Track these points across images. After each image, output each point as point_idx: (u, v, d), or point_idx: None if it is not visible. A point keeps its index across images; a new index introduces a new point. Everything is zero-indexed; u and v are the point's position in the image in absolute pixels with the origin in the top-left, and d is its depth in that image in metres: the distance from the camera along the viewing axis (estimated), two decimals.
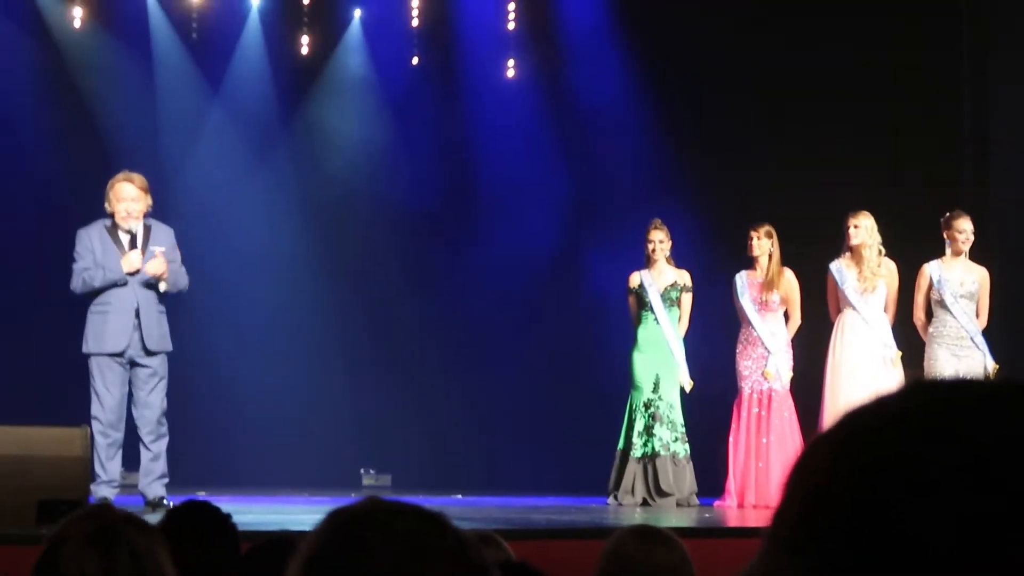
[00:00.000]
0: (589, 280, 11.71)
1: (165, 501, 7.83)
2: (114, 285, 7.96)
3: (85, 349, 8.03)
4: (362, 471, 11.99)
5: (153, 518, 6.71)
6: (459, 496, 10.43)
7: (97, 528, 2.35)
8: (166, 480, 8.12)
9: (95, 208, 9.40)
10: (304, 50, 12.39)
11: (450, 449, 11.86)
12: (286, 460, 11.50)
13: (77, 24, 11.58)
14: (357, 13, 12.63)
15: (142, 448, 8.05)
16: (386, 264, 12.34)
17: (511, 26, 12.54)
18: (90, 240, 8.03)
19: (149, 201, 8.11)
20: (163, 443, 8.09)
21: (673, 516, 8.64)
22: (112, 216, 8.07)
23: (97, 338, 7.97)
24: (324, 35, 12.52)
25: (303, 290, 12.13)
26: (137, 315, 7.96)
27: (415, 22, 12.48)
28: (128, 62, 11.88)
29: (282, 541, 3.73)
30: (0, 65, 11.24)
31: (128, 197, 7.99)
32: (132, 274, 7.98)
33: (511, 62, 12.62)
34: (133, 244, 8.05)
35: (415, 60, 12.57)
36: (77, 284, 8.03)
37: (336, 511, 1.64)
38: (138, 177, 8.05)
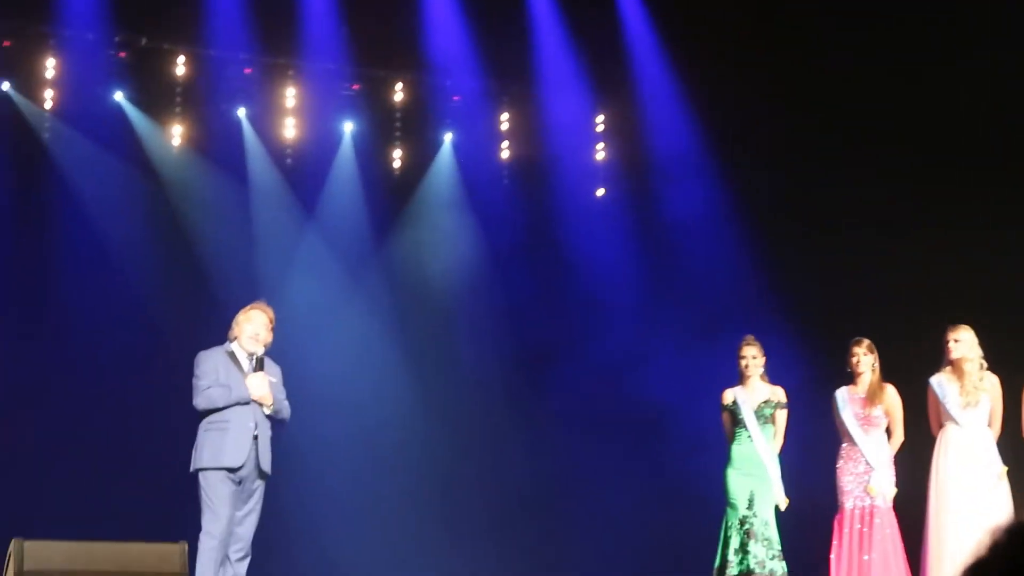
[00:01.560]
0: (682, 397, 11.64)
1: None
2: (236, 404, 8.24)
3: (198, 465, 8.22)
4: None
5: None
6: None
7: None
8: None
9: (197, 330, 9.62)
10: (396, 172, 12.59)
11: (537, 561, 11.80)
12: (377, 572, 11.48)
13: (175, 148, 11.86)
14: (448, 137, 12.83)
15: (227, 564, 8.19)
16: (482, 383, 12.38)
17: (600, 156, 12.69)
18: (214, 361, 8.38)
19: (271, 336, 8.48)
20: (247, 563, 8.34)
21: None
22: (234, 340, 8.41)
23: (214, 454, 8.19)
24: (416, 157, 12.71)
25: (400, 407, 12.18)
26: (255, 436, 8.23)
27: (505, 146, 12.67)
28: (224, 187, 12.11)
29: None
30: (102, 193, 11.50)
31: (260, 323, 8.45)
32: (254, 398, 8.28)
33: (601, 191, 12.75)
34: (253, 369, 8.34)
35: (505, 170, 12.73)
36: (201, 401, 8.31)
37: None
38: (270, 311, 8.58)
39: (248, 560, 8.36)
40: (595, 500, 12.08)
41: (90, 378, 11.24)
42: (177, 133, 11.90)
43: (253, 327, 8.47)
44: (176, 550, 6.62)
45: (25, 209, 11.39)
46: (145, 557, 6.48)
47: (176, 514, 8.91)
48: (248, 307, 8.62)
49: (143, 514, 10.20)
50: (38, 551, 6.28)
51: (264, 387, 8.38)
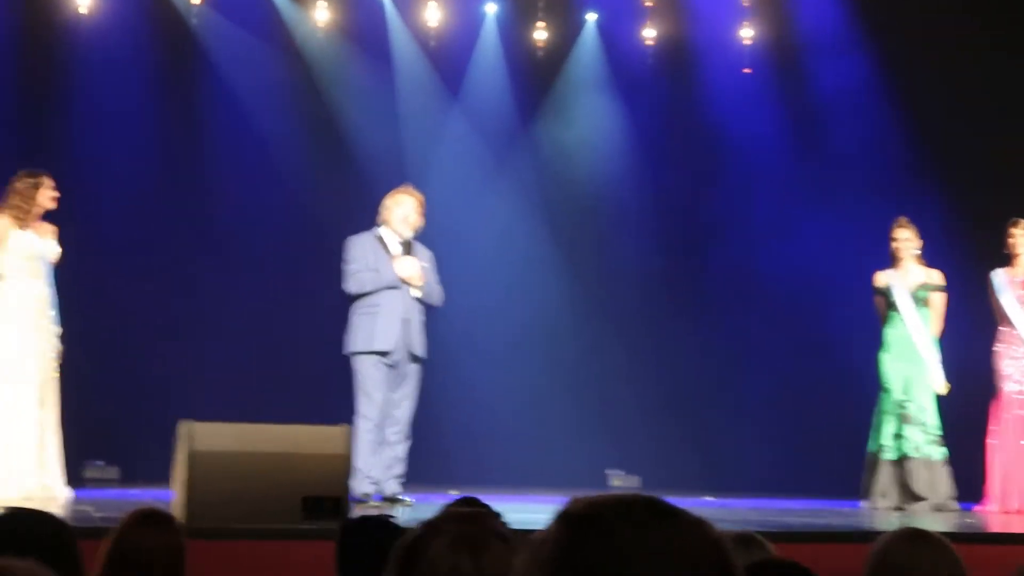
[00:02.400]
0: (835, 278, 11.50)
1: (401, 497, 8.30)
2: (385, 288, 8.31)
3: (352, 348, 8.37)
4: (609, 472, 12.01)
5: (390, 511, 6.94)
6: (710, 498, 10.35)
7: (472, 532, 2.39)
8: (403, 479, 8.48)
9: (345, 214, 9.72)
10: (540, 53, 12.50)
11: (699, 450, 11.79)
12: (533, 461, 11.58)
13: (320, 32, 11.92)
14: (591, 17, 12.68)
15: (386, 446, 8.35)
16: (631, 264, 12.37)
17: (746, 32, 12.45)
18: (363, 246, 8.44)
19: (422, 220, 8.49)
20: (406, 445, 8.51)
21: (931, 521, 8.40)
22: (382, 224, 8.42)
23: (366, 338, 8.32)
24: (560, 36, 12.60)
25: (546, 292, 12.22)
26: (405, 320, 8.31)
27: (648, 24, 12.47)
28: (369, 70, 12.14)
29: None
30: (249, 78, 11.61)
31: (409, 207, 8.50)
32: (404, 281, 8.33)
33: (747, 68, 12.53)
34: (402, 254, 8.39)
35: (650, 51, 12.56)
36: (352, 285, 8.43)
37: (572, 503, 1.60)
38: (420, 194, 8.60)
39: (408, 443, 8.51)
40: (751, 386, 12.04)
41: (243, 264, 11.45)
42: (322, 17, 11.94)
43: (402, 211, 8.51)
44: (339, 432, 6.73)
45: (175, 96, 11.55)
46: (309, 439, 6.60)
47: (333, 398, 9.11)
48: (396, 191, 8.65)
49: (299, 398, 10.44)
50: (207, 432, 6.43)
51: (413, 269, 8.44)
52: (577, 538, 1.52)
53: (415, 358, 8.48)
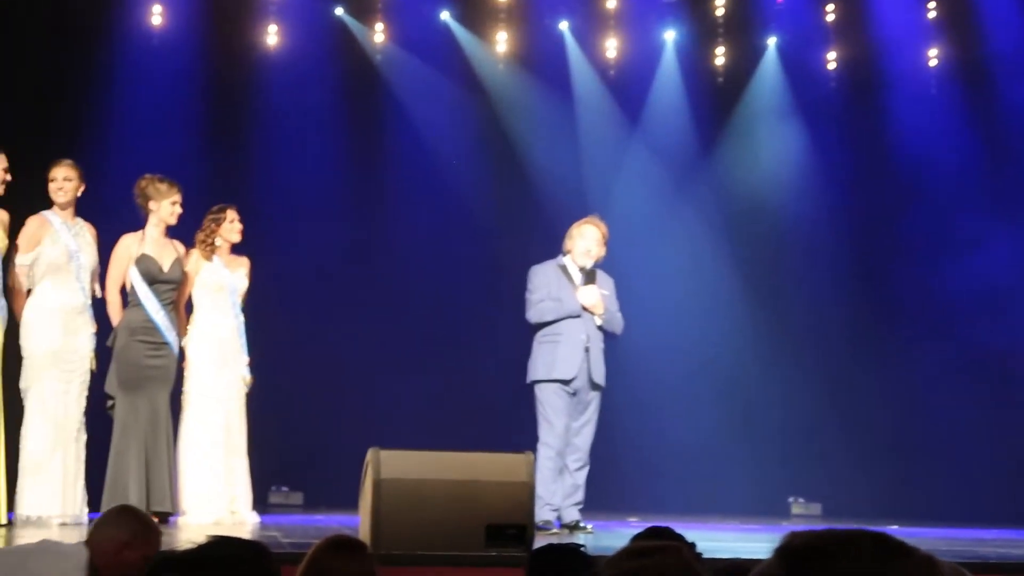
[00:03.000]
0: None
1: (581, 524, 8.34)
2: (567, 317, 8.38)
3: (533, 377, 8.45)
4: (791, 499, 11.85)
5: (570, 538, 6.94)
6: (895, 527, 10.11)
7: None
8: (581, 506, 8.50)
9: (527, 243, 9.79)
10: (720, 78, 12.43)
11: (882, 477, 11.55)
12: (712, 488, 11.48)
13: (500, 64, 12.04)
14: (771, 41, 12.57)
15: (566, 474, 8.39)
16: (812, 289, 12.18)
17: (932, 51, 12.22)
18: (545, 275, 8.54)
19: (604, 251, 8.54)
20: (585, 472, 8.55)
21: None
22: (567, 254, 8.50)
23: (547, 366, 8.39)
24: (740, 61, 12.51)
25: (727, 319, 12.11)
26: (587, 348, 8.36)
27: (830, 47, 12.32)
28: (549, 100, 12.20)
29: (737, 569, 3.74)
30: (432, 111, 11.77)
31: (592, 238, 8.59)
32: (585, 309, 8.39)
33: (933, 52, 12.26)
34: (585, 282, 8.45)
35: (833, 74, 12.40)
36: (533, 315, 8.52)
37: (792, 537, 1.58)
38: (604, 225, 8.69)
39: (586, 469, 8.55)
40: (938, 410, 11.76)
41: (426, 293, 11.59)
42: (502, 49, 12.07)
43: (585, 243, 8.59)
44: (523, 460, 6.76)
45: (360, 128, 11.77)
46: (493, 466, 6.65)
47: (515, 425, 9.16)
48: (581, 221, 8.72)
49: (481, 425, 10.52)
50: (393, 460, 6.53)
51: (594, 297, 8.50)
52: (799, 574, 1.49)
53: (595, 386, 8.52)
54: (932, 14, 12.18)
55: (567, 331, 8.47)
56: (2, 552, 5.14)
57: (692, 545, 3.67)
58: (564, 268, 8.63)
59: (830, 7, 12.37)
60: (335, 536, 3.66)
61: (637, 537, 3.69)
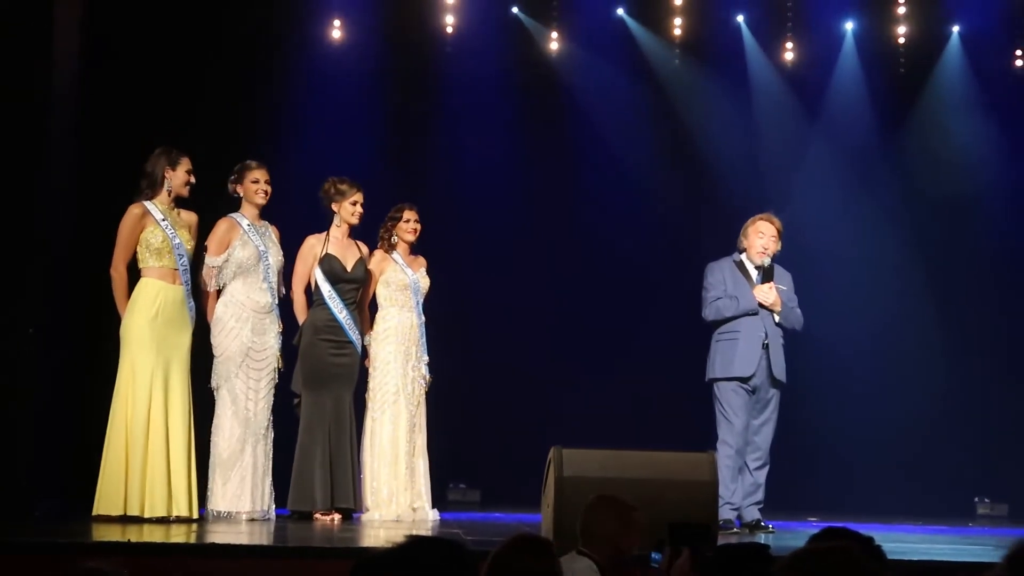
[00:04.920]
0: None
1: (762, 524, 8.32)
2: (744, 315, 8.32)
3: (712, 375, 8.42)
4: (977, 500, 11.57)
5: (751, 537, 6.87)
6: None
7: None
8: (761, 505, 8.47)
9: (705, 239, 9.73)
10: (902, 69, 12.17)
11: None
12: (897, 488, 11.26)
13: (677, 57, 11.97)
14: (955, 29, 12.28)
15: (746, 472, 8.32)
16: (1004, 282, 11.86)
17: None
18: (722, 272, 8.52)
19: (780, 246, 8.51)
20: (765, 471, 8.52)
21: None
22: (743, 251, 8.47)
23: (726, 364, 8.36)
24: (922, 53, 12.22)
25: (911, 316, 11.85)
26: (765, 345, 8.29)
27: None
28: (726, 93, 12.09)
29: (931, 571, 3.67)
30: (609, 106, 11.75)
31: (768, 234, 8.60)
32: (762, 307, 8.33)
33: None
34: (761, 279, 8.40)
35: (1019, 62, 12.03)
36: (710, 312, 8.51)
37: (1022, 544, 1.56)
38: (778, 221, 8.69)
39: (767, 468, 8.48)
40: None
41: (606, 289, 11.57)
42: (677, 43, 11.99)
43: (762, 241, 8.57)
44: (705, 459, 6.75)
45: (537, 126, 11.80)
46: (675, 465, 6.64)
47: (696, 423, 9.11)
48: (755, 218, 8.70)
49: (661, 424, 10.47)
50: (575, 458, 6.57)
51: (772, 295, 8.44)
52: None
53: (776, 382, 8.45)
54: None
55: (745, 328, 8.43)
56: None
57: (870, 542, 3.61)
58: (740, 265, 8.60)
59: None
60: (520, 535, 3.69)
61: (814, 538, 3.65)
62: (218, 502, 8.09)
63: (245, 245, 8.26)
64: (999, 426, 11.55)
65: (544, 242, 11.58)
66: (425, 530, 7.80)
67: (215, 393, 8.22)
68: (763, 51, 12.17)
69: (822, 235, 11.57)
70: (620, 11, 12.00)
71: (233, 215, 8.37)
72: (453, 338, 9.86)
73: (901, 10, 12.08)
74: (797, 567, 2.46)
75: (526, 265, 11.42)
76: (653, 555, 4.64)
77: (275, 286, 8.35)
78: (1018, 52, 12.01)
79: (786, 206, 9.92)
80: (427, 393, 8.76)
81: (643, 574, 4.75)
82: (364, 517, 8.40)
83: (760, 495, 8.41)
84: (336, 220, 8.62)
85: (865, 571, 2.44)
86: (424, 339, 8.77)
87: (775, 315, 8.48)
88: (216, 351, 8.22)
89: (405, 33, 11.41)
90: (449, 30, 11.52)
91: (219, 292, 8.27)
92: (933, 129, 12.13)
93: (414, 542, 2.98)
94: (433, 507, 8.67)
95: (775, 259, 8.67)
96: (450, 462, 10.14)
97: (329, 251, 8.54)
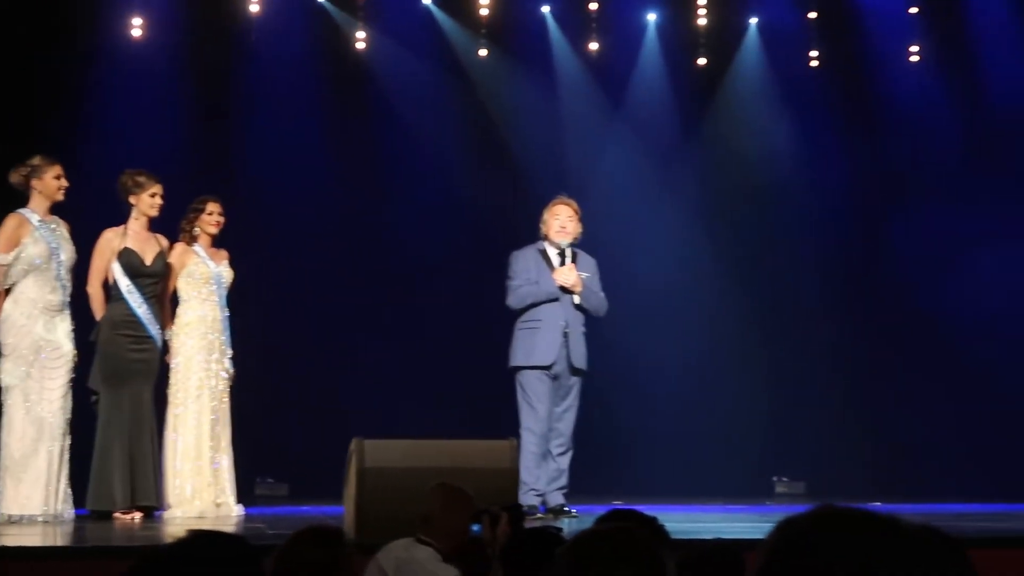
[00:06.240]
0: (1009, 277, 11.22)
1: (566, 508, 8.39)
2: (547, 300, 8.40)
3: (514, 363, 8.47)
4: (775, 479, 11.89)
5: (555, 523, 6.98)
6: (878, 503, 10.16)
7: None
8: (565, 491, 8.55)
9: (512, 229, 9.80)
10: (702, 61, 12.40)
11: (866, 454, 11.60)
12: (698, 468, 11.50)
13: (482, 46, 12.01)
14: (753, 21, 12.56)
15: (550, 459, 8.43)
16: (796, 272, 12.18)
17: (913, 9, 12.17)
18: (525, 260, 8.59)
19: (580, 227, 8.57)
20: (568, 457, 8.61)
21: None
22: (545, 238, 8.48)
23: (527, 353, 8.43)
24: (721, 45, 12.48)
25: (710, 300, 12.12)
26: (565, 334, 8.38)
27: (812, 14, 12.26)
28: (532, 84, 12.19)
29: (723, 549, 3.77)
30: (414, 94, 11.76)
31: (564, 215, 8.65)
32: (564, 290, 8.40)
33: (914, 47, 12.24)
34: (562, 263, 8.49)
35: (813, 62, 12.36)
36: (514, 300, 8.57)
37: (789, 520, 1.64)
38: (574, 203, 8.74)
39: (570, 454, 8.58)
40: (920, 387, 11.80)
41: (410, 280, 11.59)
42: (483, 34, 12.03)
43: (559, 221, 8.63)
44: (506, 446, 6.81)
45: (343, 116, 11.74)
46: (477, 453, 6.69)
47: (498, 411, 9.19)
48: (552, 202, 8.77)
49: (463, 412, 10.53)
50: (377, 449, 6.57)
51: (572, 276, 8.52)
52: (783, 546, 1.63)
53: (576, 371, 8.54)
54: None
55: (546, 317, 8.50)
56: None
57: (653, 522, 3.70)
58: (543, 252, 8.67)
59: None
60: (308, 527, 3.69)
61: (599, 520, 3.72)
62: (10, 505, 7.89)
63: (36, 242, 8.08)
64: (796, 406, 11.88)
65: (349, 234, 11.56)
66: (229, 526, 7.72)
67: (6, 393, 8.00)
68: (568, 42, 12.29)
69: (625, 224, 11.76)
70: (427, 0, 12.00)
71: (22, 211, 8.18)
72: (257, 331, 9.77)
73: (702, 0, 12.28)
74: (577, 549, 2.51)
75: (331, 258, 11.38)
76: (473, 527, 4.77)
77: (67, 283, 8.18)
78: (812, 52, 12.31)
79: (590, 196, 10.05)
80: (231, 387, 8.67)
81: (474, 548, 4.84)
82: (166, 515, 8.28)
83: (564, 480, 8.51)
84: (135, 213, 8.48)
85: (644, 551, 2.50)
86: (228, 332, 8.69)
87: (575, 297, 8.54)
88: (5, 350, 8.02)
89: (208, 23, 11.24)
90: (253, 15, 11.32)
91: (8, 291, 8.07)
92: (731, 121, 12.42)
93: (193, 537, 2.96)
94: (239, 502, 8.59)
95: (579, 245, 8.75)
96: (257, 456, 10.07)
97: (128, 245, 8.39)
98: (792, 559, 1.58)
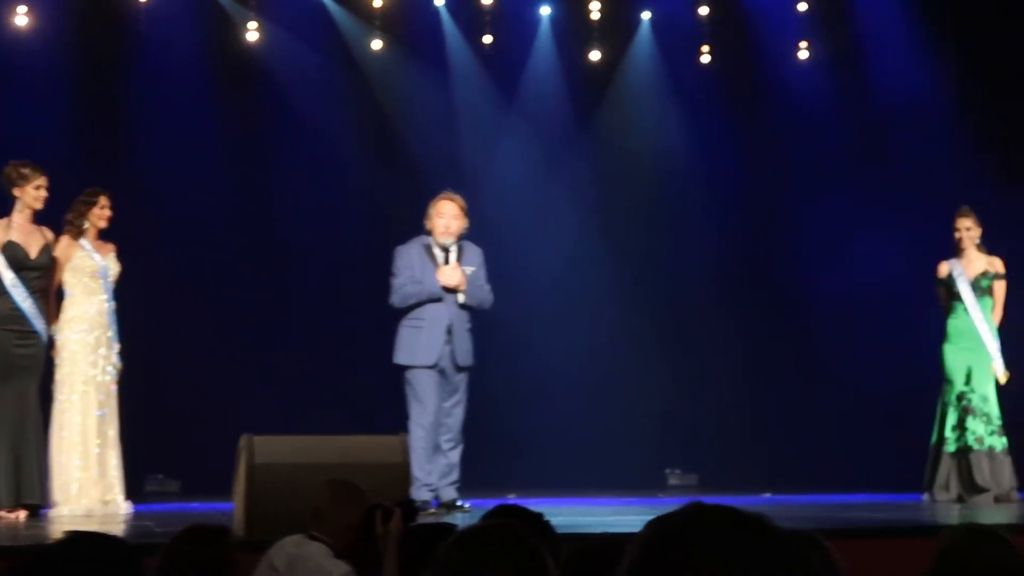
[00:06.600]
0: (893, 271, 11.40)
1: (459, 503, 8.38)
2: (430, 300, 8.33)
3: (398, 360, 8.42)
4: (668, 471, 11.99)
5: (448, 517, 6.99)
6: (769, 495, 10.30)
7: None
8: (458, 485, 8.53)
9: (404, 224, 9.75)
10: (595, 56, 12.44)
11: (758, 447, 11.73)
12: (592, 461, 11.57)
13: (375, 39, 11.93)
14: (646, 15, 12.64)
15: (440, 454, 8.40)
16: (689, 266, 12.29)
17: (802, 7, 12.32)
18: (409, 256, 8.47)
19: (466, 223, 8.47)
20: (459, 451, 8.57)
21: (993, 512, 8.32)
22: (430, 233, 8.42)
23: (410, 352, 8.37)
24: (614, 40, 12.54)
25: (603, 294, 12.19)
26: (449, 331, 8.33)
27: (704, 10, 12.36)
28: (425, 77, 12.16)
29: (609, 543, 3.78)
30: (307, 88, 11.67)
31: (449, 214, 8.50)
32: (447, 289, 8.33)
33: (803, 43, 12.40)
34: (447, 260, 8.40)
35: (705, 58, 12.47)
36: (396, 299, 8.48)
37: (660, 517, 1.66)
38: (459, 198, 8.58)
39: (460, 448, 8.54)
40: (810, 381, 11.96)
41: (300, 276, 11.52)
42: (376, 24, 11.96)
43: (444, 220, 8.50)
44: (397, 441, 6.79)
45: (235, 110, 11.62)
46: (368, 448, 6.66)
47: (388, 407, 9.14)
48: (437, 198, 8.62)
49: (351, 408, 10.48)
50: (267, 445, 6.51)
51: (455, 276, 8.43)
52: (654, 542, 1.67)
53: (462, 368, 8.48)
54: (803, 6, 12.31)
55: (430, 316, 8.41)
56: None
57: (539, 518, 3.71)
58: (428, 248, 8.56)
59: None
60: (193, 524, 3.65)
61: (485, 516, 3.72)
62: None
63: None
64: (689, 398, 11.98)
65: (240, 227, 11.45)
66: (117, 523, 7.61)
67: None
68: (462, 35, 12.27)
69: (519, 217, 11.77)
70: None
71: None
72: (146, 325, 9.63)
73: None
74: (460, 546, 2.49)
75: (222, 251, 11.27)
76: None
77: None
78: (704, 48, 12.42)
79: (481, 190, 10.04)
80: (119, 381, 8.54)
81: (366, 543, 4.80)
82: (52, 513, 8.14)
83: (455, 475, 8.49)
84: (19, 206, 8.32)
85: (526, 547, 2.49)
86: (115, 326, 8.55)
87: (460, 295, 8.48)
88: None
89: (96, 11, 11.07)
90: (143, 3, 11.15)
91: None
92: (624, 115, 12.50)
93: (71, 539, 2.92)
94: (127, 499, 8.46)
95: (470, 237, 8.68)
96: (147, 453, 9.91)
97: (12, 238, 8.23)
98: (661, 554, 1.60)
